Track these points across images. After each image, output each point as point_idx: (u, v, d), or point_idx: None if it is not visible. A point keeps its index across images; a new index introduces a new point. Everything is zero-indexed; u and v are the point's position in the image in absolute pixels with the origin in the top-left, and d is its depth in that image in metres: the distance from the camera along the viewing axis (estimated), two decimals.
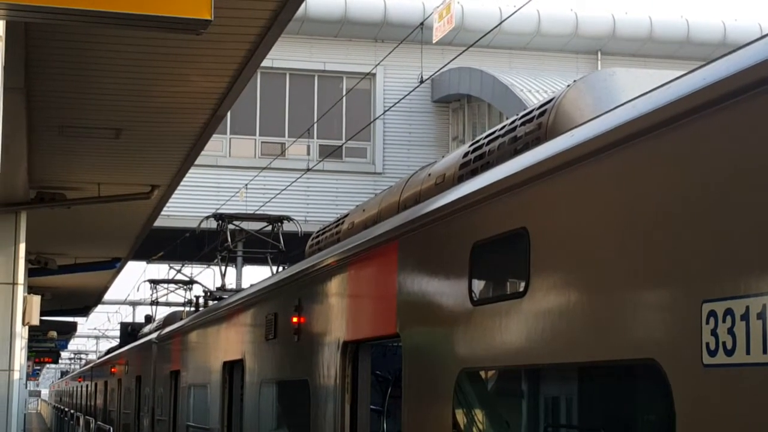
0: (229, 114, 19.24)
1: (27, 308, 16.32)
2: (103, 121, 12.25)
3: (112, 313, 79.46)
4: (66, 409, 46.46)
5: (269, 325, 11.20)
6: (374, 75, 37.48)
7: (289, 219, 19.04)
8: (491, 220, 6.10)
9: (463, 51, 19.28)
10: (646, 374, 4.67)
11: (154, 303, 33.86)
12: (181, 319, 21.87)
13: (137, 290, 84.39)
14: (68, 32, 9.36)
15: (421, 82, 24.21)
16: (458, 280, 6.44)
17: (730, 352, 3.94)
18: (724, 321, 3.99)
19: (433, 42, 21.21)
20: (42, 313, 18.84)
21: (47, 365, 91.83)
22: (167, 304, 37.47)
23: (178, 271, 29.17)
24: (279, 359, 10.97)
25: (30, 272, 21.69)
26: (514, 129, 6.91)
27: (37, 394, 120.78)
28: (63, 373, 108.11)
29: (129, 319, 59.36)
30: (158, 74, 10.62)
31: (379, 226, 8.32)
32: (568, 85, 6.78)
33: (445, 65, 21.93)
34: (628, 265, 4.67)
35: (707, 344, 4.07)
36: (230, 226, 19.45)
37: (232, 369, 13.67)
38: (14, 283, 15.29)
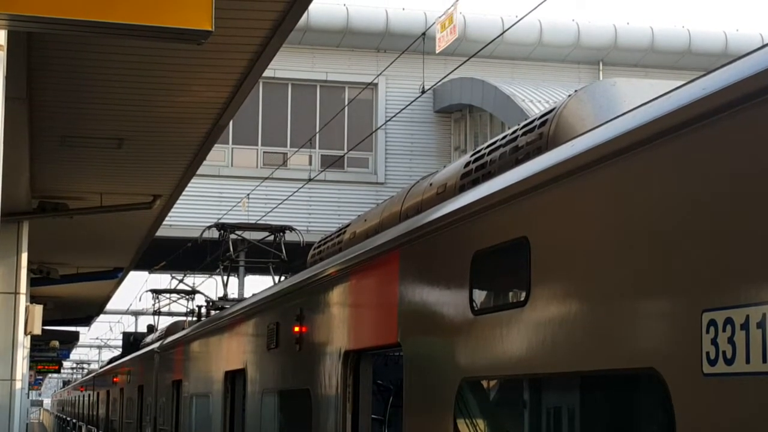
0: (231, 124, 19.22)
1: (29, 318, 16.33)
2: (105, 131, 12.27)
3: (115, 322, 79.47)
4: (68, 419, 46.45)
5: (271, 334, 11.20)
6: (376, 85, 37.49)
7: (291, 229, 19.05)
8: (492, 230, 6.11)
9: (465, 61, 19.29)
10: (646, 383, 4.68)
11: (157, 313, 33.86)
12: (183, 328, 21.87)
13: (139, 300, 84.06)
14: (70, 42, 9.38)
15: (423, 92, 24.25)
16: (459, 290, 6.44)
17: (730, 362, 3.95)
18: (724, 330, 4.00)
19: (437, 52, 21.20)
20: (44, 323, 18.85)
21: (50, 375, 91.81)
22: (169, 313, 37.48)
23: (180, 281, 29.18)
24: (280, 369, 10.97)
25: (32, 282, 21.70)
26: (516, 139, 6.93)
27: (40, 403, 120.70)
28: (65, 383, 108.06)
29: (131, 329, 59.35)
30: (160, 84, 10.64)
31: (380, 236, 8.33)
32: (569, 95, 6.79)
33: (447, 75, 21.94)
34: (629, 274, 4.68)
35: (707, 353, 4.07)
36: (232, 236, 19.47)
37: (234, 378, 13.68)
38: (16, 293, 15.29)
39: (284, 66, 35.28)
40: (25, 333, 16.11)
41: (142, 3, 6.11)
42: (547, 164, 5.56)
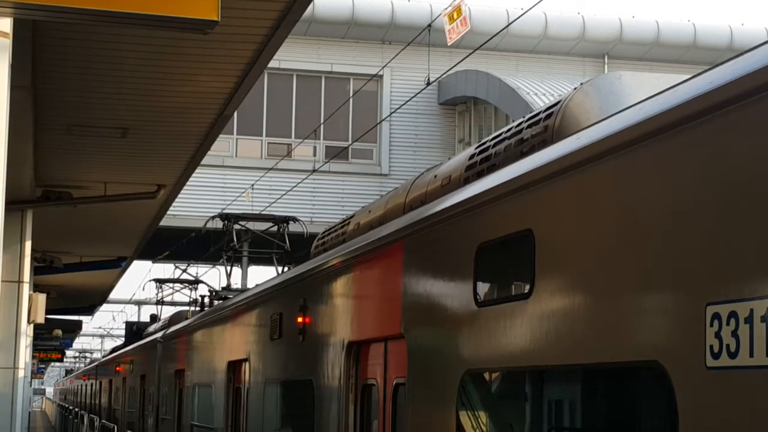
0: (235, 114, 19.23)
1: (32, 306, 16.35)
2: (110, 120, 12.27)
3: (118, 312, 79.55)
4: (71, 408, 46.51)
5: (274, 324, 11.21)
6: (381, 77, 37.47)
7: (294, 219, 19.08)
8: (496, 222, 6.10)
9: (470, 53, 19.28)
10: (649, 376, 4.68)
11: (160, 302, 33.90)
12: (186, 318, 21.89)
13: (143, 289, 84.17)
14: (76, 31, 9.37)
15: (428, 84, 24.19)
16: (463, 282, 6.44)
17: (733, 355, 3.95)
18: (728, 324, 3.99)
19: (449, 44, 21.20)
20: (47, 312, 18.87)
21: (52, 364, 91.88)
22: (172, 303, 37.50)
23: (184, 271, 29.24)
24: (284, 359, 10.98)
25: (36, 270, 21.72)
26: (521, 131, 6.92)
27: (42, 392, 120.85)
28: (68, 372, 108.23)
29: (134, 318, 59.42)
30: (165, 74, 10.64)
31: (384, 227, 8.33)
32: (575, 88, 6.78)
33: (452, 67, 21.93)
34: (633, 267, 4.68)
35: (711, 347, 4.07)
36: (236, 226, 19.50)
37: (237, 369, 13.69)
38: (20, 281, 15.31)
39: (289, 57, 35.26)
40: (28, 321, 16.13)
41: None
42: (552, 157, 5.56)
